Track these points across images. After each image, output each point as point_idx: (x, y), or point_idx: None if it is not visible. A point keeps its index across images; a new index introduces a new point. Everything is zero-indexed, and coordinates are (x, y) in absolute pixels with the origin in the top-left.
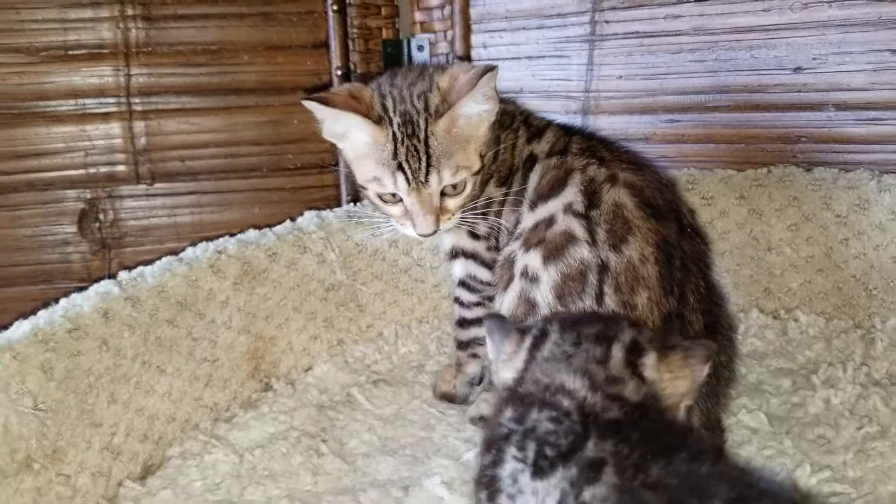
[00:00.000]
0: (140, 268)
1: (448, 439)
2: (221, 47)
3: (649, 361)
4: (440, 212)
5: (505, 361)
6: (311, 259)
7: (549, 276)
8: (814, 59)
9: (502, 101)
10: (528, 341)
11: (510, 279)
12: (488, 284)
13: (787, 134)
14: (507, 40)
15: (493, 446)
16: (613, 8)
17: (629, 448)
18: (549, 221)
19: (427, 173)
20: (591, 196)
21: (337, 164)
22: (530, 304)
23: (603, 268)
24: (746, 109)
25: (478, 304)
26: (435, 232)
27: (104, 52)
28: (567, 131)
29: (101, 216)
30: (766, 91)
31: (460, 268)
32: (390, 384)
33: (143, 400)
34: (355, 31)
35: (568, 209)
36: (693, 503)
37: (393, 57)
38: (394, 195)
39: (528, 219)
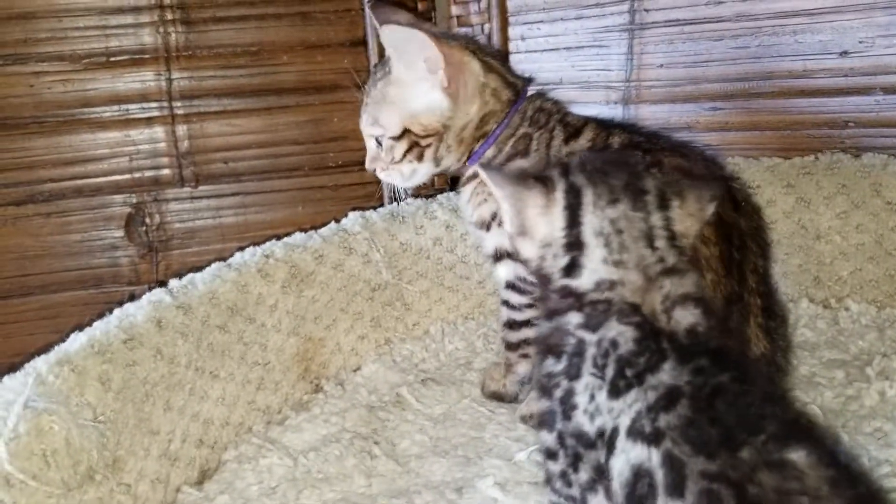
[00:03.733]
0: (190, 275)
1: (499, 439)
2: (260, 48)
3: (675, 213)
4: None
5: (539, 216)
6: (356, 260)
7: None
8: (860, 42)
9: (537, 96)
10: (559, 198)
11: None
12: None
13: (834, 119)
14: (545, 31)
15: (560, 354)
16: None
17: (703, 379)
18: None
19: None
20: None
21: None
22: None
23: None
24: (791, 95)
25: (529, 306)
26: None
27: (145, 57)
28: (605, 127)
29: (148, 220)
30: (812, 76)
31: (506, 270)
32: (439, 383)
33: (197, 406)
34: None
35: None
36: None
37: None
38: None
39: None
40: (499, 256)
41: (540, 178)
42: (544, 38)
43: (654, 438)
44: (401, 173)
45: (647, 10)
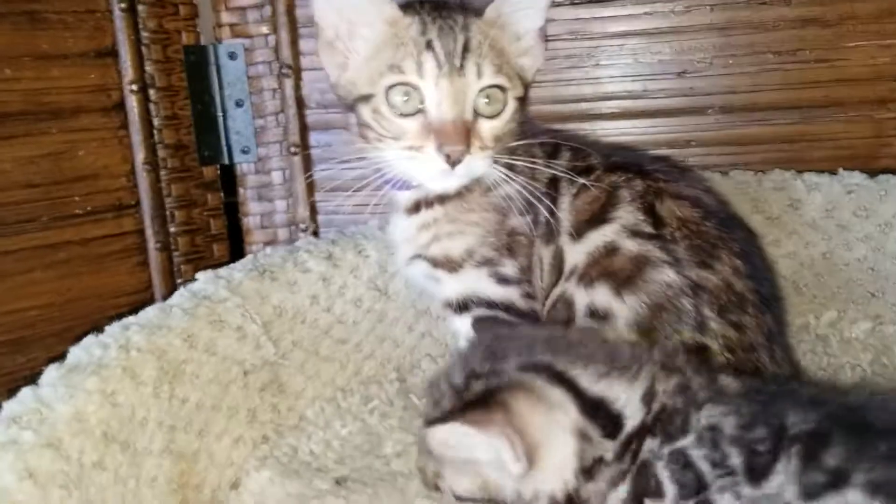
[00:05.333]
0: (28, 390)
1: None
2: None
3: None
4: (473, 135)
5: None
6: (229, 336)
7: (628, 310)
8: (698, 62)
9: None
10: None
11: (566, 322)
12: None
13: (675, 139)
14: None
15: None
16: None
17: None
18: (610, 250)
19: (464, 57)
20: (651, 213)
21: (139, 204)
22: None
23: (696, 288)
24: (632, 116)
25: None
26: (463, 156)
27: None
28: (577, 148)
29: None
30: (651, 96)
31: None
32: (364, 483)
33: None
34: (149, 34)
35: (631, 232)
36: None
37: (197, 66)
38: (415, 91)
39: (576, 251)
40: (464, 305)
41: None
42: None
43: None
44: (481, 165)
45: None
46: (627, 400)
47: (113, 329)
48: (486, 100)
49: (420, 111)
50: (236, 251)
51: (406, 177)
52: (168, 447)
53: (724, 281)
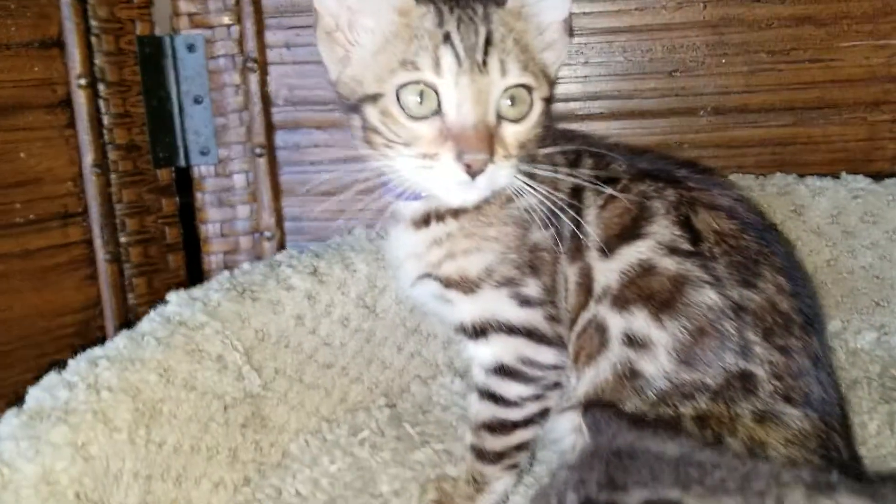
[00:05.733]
0: None
1: None
2: None
3: None
4: (496, 141)
5: None
6: (210, 367)
7: (668, 337)
8: (690, 61)
9: None
10: None
11: (599, 350)
12: (555, 368)
13: (666, 141)
14: None
15: None
16: None
17: None
18: (646, 269)
19: (486, 52)
20: (688, 227)
21: (86, 211)
22: (631, 378)
23: (738, 309)
24: (622, 117)
25: (536, 398)
26: (485, 166)
27: None
28: (598, 154)
29: None
30: (642, 96)
31: (501, 350)
32: None
33: None
34: (100, 24)
35: (668, 249)
36: None
37: (152, 59)
38: (431, 90)
39: (607, 268)
40: (481, 330)
41: None
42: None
43: None
44: (505, 175)
45: None
46: None
47: (78, 364)
48: (510, 101)
49: (436, 114)
50: (193, 262)
51: (418, 188)
52: (144, 500)
53: (768, 301)
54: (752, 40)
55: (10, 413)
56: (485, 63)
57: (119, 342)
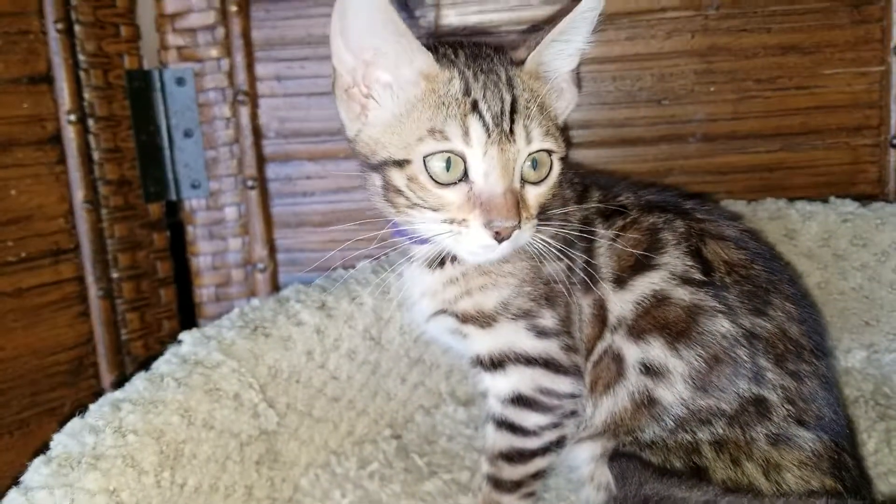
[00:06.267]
0: (16, 494)
1: None
2: None
3: None
4: (522, 206)
5: None
6: (227, 406)
7: (684, 365)
8: (680, 88)
9: None
10: None
11: (616, 379)
12: (571, 396)
13: (657, 168)
14: (312, 71)
15: None
16: (453, 34)
17: None
18: (661, 299)
19: (512, 121)
20: (699, 257)
21: (78, 247)
22: (649, 405)
23: (751, 337)
24: (612, 145)
25: (553, 427)
26: (511, 232)
27: None
28: (606, 186)
29: None
30: (632, 124)
31: (518, 380)
32: None
33: None
34: (88, 58)
35: (681, 280)
36: None
37: (141, 94)
38: (459, 158)
39: (621, 299)
40: (499, 363)
41: None
42: (311, 79)
43: None
44: (527, 236)
45: None
46: None
47: (102, 409)
48: (533, 165)
49: (462, 180)
50: (184, 295)
51: (441, 247)
52: None
53: (778, 328)
54: (739, 69)
55: (39, 461)
56: (511, 132)
57: (139, 384)
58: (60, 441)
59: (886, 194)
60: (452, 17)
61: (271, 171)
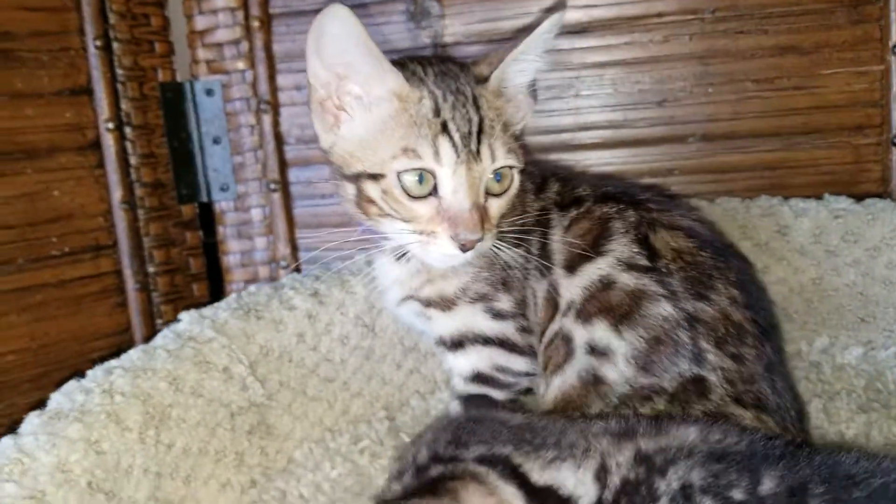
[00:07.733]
0: (8, 439)
1: None
2: None
3: None
4: (484, 215)
5: None
6: (216, 378)
7: (627, 345)
8: (679, 90)
9: None
10: None
11: (565, 359)
12: (526, 374)
13: (657, 168)
14: None
15: None
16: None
17: None
18: (607, 284)
19: (479, 141)
20: (646, 245)
21: (116, 244)
22: (595, 383)
23: (692, 320)
24: (612, 146)
25: (512, 403)
26: (476, 244)
27: None
28: (565, 178)
29: None
30: (633, 126)
31: (477, 359)
32: None
33: None
34: (125, 72)
35: (627, 265)
36: None
37: (174, 104)
38: (430, 174)
39: (571, 284)
40: (458, 343)
41: None
42: None
43: None
44: (488, 244)
45: None
46: (577, 482)
47: (95, 373)
48: (497, 178)
49: (432, 194)
50: (216, 290)
51: (407, 251)
52: (154, 495)
53: (721, 312)
54: (737, 70)
55: (34, 414)
56: (478, 152)
57: (133, 354)
58: (55, 399)
59: (890, 192)
60: (458, 27)
61: (293, 174)
